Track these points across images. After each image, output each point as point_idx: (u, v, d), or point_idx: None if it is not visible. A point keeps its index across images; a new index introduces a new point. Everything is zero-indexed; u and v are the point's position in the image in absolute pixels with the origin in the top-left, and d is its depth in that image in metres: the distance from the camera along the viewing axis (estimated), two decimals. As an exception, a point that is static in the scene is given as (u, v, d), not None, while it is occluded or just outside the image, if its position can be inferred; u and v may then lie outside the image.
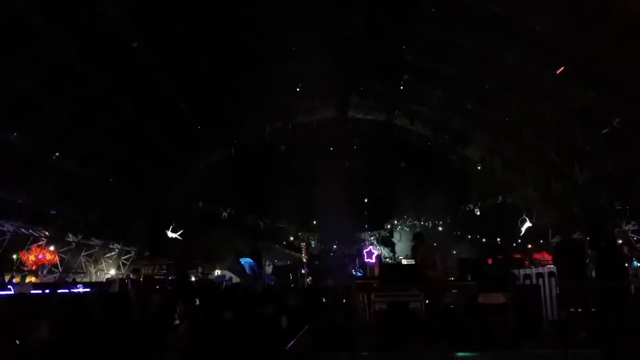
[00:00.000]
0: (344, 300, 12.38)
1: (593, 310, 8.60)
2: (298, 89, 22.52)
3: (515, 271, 11.38)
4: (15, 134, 16.14)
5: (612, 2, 13.78)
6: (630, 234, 19.26)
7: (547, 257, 16.74)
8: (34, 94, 15.68)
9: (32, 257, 20.46)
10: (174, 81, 19.02)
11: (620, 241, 17.41)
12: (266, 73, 19.56)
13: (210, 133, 23.99)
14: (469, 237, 26.93)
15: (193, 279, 22.21)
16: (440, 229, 28.18)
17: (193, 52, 18.04)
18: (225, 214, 27.75)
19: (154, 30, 15.97)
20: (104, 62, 16.27)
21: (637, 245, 18.86)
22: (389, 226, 29.81)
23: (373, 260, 27.27)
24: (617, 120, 16.66)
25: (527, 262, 13.44)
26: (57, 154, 18.26)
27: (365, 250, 28.60)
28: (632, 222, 19.23)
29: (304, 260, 28.92)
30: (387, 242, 29.46)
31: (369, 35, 19.14)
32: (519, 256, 16.38)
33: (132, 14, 14.94)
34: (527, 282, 10.73)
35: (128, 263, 26.61)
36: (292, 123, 25.78)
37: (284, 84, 20.92)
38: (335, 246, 29.28)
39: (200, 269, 24.39)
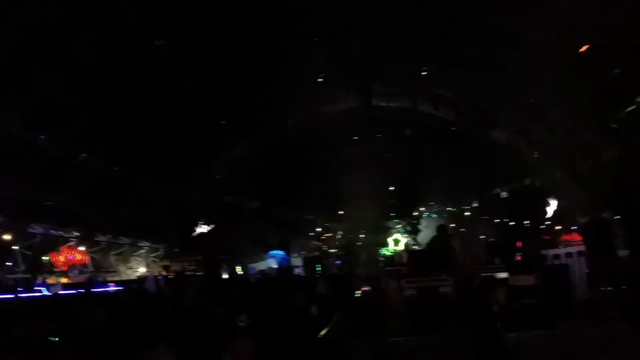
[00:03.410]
0: (375, 287, 12.47)
1: (623, 288, 8.54)
2: (320, 79, 22.44)
3: (544, 252, 11.31)
4: (42, 136, 16.44)
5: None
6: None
7: (577, 238, 16.51)
8: (59, 95, 15.90)
9: (62, 258, 21.00)
10: (198, 76, 19.07)
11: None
12: (288, 64, 19.51)
13: (235, 127, 24.05)
14: (497, 220, 26.63)
15: (226, 275, 22.43)
16: (467, 214, 27.96)
17: (215, 46, 18.02)
18: (252, 207, 27.97)
19: (176, 25, 16.00)
20: (127, 60, 16.33)
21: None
22: (416, 214, 29.68)
23: (401, 247, 27.26)
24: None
25: (558, 243, 13.30)
26: (84, 154, 18.52)
27: (391, 238, 28.58)
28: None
29: (332, 250, 29.08)
30: (413, 230, 29.35)
31: (390, 19, 18.90)
32: (548, 237, 16.18)
33: (153, 11, 15.00)
34: (557, 262, 10.66)
35: (158, 260, 27.06)
36: (315, 114, 25.76)
37: (307, 74, 20.86)
38: (362, 235, 29.32)
39: (224, 265, 24.54)
